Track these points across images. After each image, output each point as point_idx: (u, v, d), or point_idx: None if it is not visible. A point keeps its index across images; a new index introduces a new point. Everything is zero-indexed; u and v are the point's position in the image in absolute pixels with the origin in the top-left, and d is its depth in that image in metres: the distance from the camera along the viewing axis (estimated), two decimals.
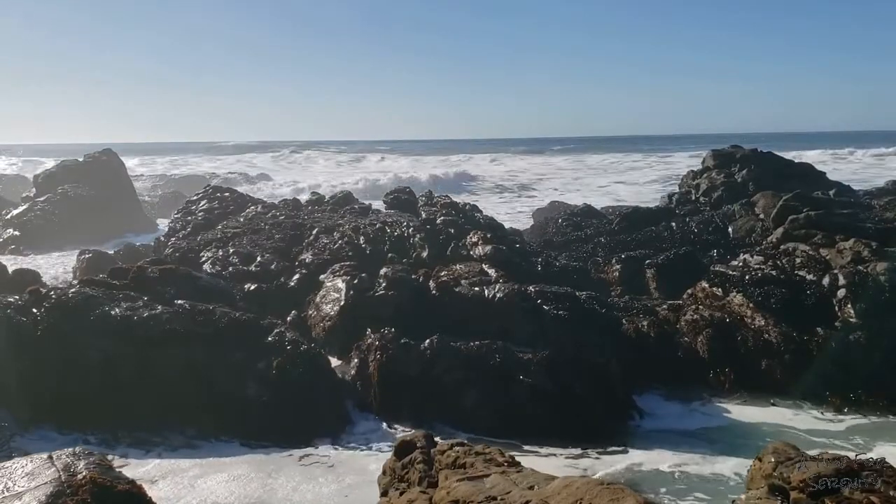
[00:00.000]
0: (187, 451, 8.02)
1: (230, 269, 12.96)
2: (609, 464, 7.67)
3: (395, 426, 8.62)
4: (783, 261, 11.35)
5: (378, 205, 17.92)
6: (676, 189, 20.62)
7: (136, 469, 7.30)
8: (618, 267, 14.00)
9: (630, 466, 7.61)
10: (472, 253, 12.66)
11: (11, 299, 9.45)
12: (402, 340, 9.18)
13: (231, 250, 13.86)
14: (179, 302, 9.62)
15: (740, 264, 11.60)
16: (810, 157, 43.11)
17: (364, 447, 8.16)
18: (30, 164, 55.25)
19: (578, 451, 7.98)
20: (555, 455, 7.91)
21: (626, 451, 8.00)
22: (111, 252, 17.50)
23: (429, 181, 42.56)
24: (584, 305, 10.49)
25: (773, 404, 9.33)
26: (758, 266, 11.28)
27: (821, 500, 4.08)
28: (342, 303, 10.68)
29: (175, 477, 7.32)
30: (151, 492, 5.13)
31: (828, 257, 11.17)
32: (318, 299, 11.29)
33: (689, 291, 11.58)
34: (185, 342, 8.99)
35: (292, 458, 7.83)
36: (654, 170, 50.83)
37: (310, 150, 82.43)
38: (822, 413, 9.06)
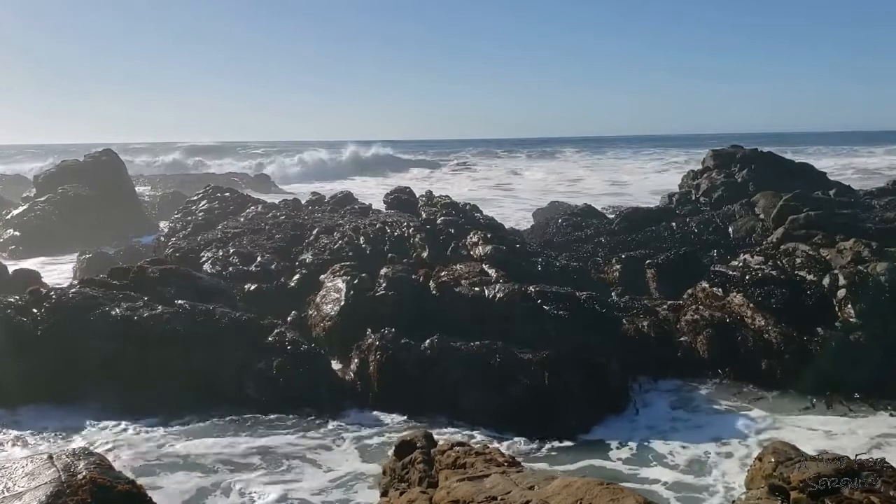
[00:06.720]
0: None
1: (230, 269, 12.96)
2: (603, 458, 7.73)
3: (395, 426, 8.61)
4: (783, 261, 11.34)
5: (378, 205, 17.94)
6: (676, 189, 20.63)
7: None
8: (618, 267, 13.99)
9: (626, 461, 7.65)
10: (472, 253, 12.66)
11: (11, 299, 9.46)
12: (403, 340, 9.17)
13: (231, 250, 13.86)
14: (179, 302, 9.62)
15: (740, 264, 11.59)
16: None
17: (363, 447, 8.15)
18: (30, 164, 55.23)
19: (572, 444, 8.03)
20: (551, 450, 7.93)
21: (624, 447, 8.01)
22: (111, 252, 17.53)
23: None
24: (584, 305, 10.47)
25: (762, 397, 9.32)
26: (758, 266, 11.27)
27: (821, 500, 4.09)
28: (342, 303, 10.67)
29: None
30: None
31: (828, 257, 11.17)
32: (318, 299, 11.28)
33: (690, 291, 11.58)
34: (185, 342, 8.98)
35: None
36: (653, 170, 50.79)
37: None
38: (822, 412, 9.04)
